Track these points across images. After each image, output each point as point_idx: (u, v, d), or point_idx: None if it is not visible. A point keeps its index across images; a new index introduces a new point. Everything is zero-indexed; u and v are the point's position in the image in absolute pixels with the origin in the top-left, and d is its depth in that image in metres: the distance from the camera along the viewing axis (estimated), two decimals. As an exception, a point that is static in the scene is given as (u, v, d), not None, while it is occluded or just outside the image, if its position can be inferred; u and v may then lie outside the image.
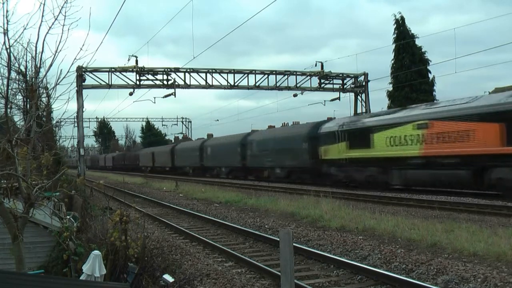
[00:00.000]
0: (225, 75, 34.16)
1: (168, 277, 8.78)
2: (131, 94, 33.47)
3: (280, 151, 33.23)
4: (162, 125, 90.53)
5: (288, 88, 35.33)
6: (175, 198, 25.21)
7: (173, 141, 78.72)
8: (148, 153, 71.10)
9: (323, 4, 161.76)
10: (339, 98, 36.83)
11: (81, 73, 30.29)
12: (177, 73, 33.34)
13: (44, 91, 12.81)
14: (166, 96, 34.01)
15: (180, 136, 75.31)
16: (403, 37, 39.88)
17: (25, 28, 6.64)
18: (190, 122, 77.73)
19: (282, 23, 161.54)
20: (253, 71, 34.74)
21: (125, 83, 32.76)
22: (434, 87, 40.48)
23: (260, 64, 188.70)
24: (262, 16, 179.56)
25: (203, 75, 33.64)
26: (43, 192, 7.75)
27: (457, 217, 13.10)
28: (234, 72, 34.40)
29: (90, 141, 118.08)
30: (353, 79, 36.21)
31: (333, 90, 36.36)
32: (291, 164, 32.11)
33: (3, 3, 6.38)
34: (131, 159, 78.49)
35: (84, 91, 30.02)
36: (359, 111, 36.09)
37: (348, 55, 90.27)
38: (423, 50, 40.39)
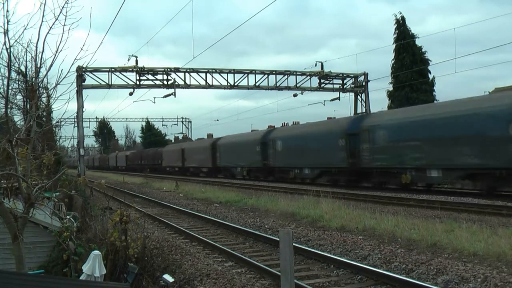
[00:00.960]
0: (225, 75, 34.17)
1: (168, 277, 8.79)
2: (131, 94, 33.49)
3: (442, 141, 20.65)
4: (162, 125, 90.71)
5: (288, 88, 35.33)
6: (175, 198, 25.22)
7: (173, 141, 78.42)
8: (175, 150, 55.99)
9: (321, 5, 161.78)
10: (339, 98, 36.84)
11: (81, 73, 30.30)
12: (177, 73, 33.36)
13: (44, 91, 12.82)
14: (166, 96, 34.03)
15: (180, 136, 75.21)
16: (404, 37, 39.89)
17: (25, 28, 6.63)
18: (190, 122, 77.75)
19: (281, 23, 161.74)
20: (253, 71, 34.74)
21: (125, 83, 32.77)
22: (434, 87, 40.54)
23: (259, 64, 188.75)
24: (261, 17, 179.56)
25: (203, 75, 33.65)
26: (43, 192, 7.75)
27: (457, 217, 13.10)
28: (234, 72, 34.41)
29: (90, 141, 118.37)
30: (353, 79, 36.22)
31: (333, 90, 36.36)
32: (472, 162, 19.54)
33: (3, 3, 6.37)
34: (151, 157, 65.73)
35: (84, 91, 30.03)
36: (359, 111, 36.10)
37: (348, 55, 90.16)
38: (423, 50, 40.43)
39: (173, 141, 78.26)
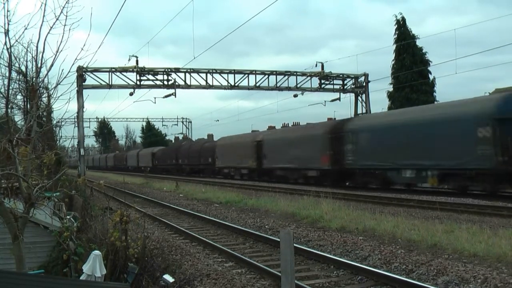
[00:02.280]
0: (225, 76, 34.18)
1: (168, 277, 8.79)
2: (131, 94, 33.49)
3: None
4: (163, 125, 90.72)
5: (289, 88, 35.33)
6: (176, 198, 25.22)
7: (173, 141, 78.06)
8: (244, 144, 38.27)
9: (321, 5, 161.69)
10: (339, 99, 36.84)
11: (81, 73, 30.30)
12: (177, 74, 33.36)
13: (45, 91, 12.81)
14: (166, 96, 34.04)
15: (180, 137, 75.09)
16: (404, 38, 39.89)
17: (26, 28, 6.62)
18: (191, 122, 77.60)
19: (281, 24, 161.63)
20: (254, 72, 34.74)
21: (126, 83, 32.77)
22: (435, 88, 40.53)
23: (259, 65, 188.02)
24: (260, 17, 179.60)
25: (203, 75, 33.65)
26: (43, 192, 7.75)
27: (457, 217, 13.10)
28: (235, 72, 34.42)
29: (90, 141, 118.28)
30: (353, 79, 36.21)
31: (333, 90, 36.36)
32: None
33: (4, 3, 6.37)
34: (195, 155, 48.53)
35: (85, 91, 30.03)
36: (359, 111, 36.10)
37: (348, 56, 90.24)
38: (423, 51, 40.41)
39: (173, 141, 77.70)
